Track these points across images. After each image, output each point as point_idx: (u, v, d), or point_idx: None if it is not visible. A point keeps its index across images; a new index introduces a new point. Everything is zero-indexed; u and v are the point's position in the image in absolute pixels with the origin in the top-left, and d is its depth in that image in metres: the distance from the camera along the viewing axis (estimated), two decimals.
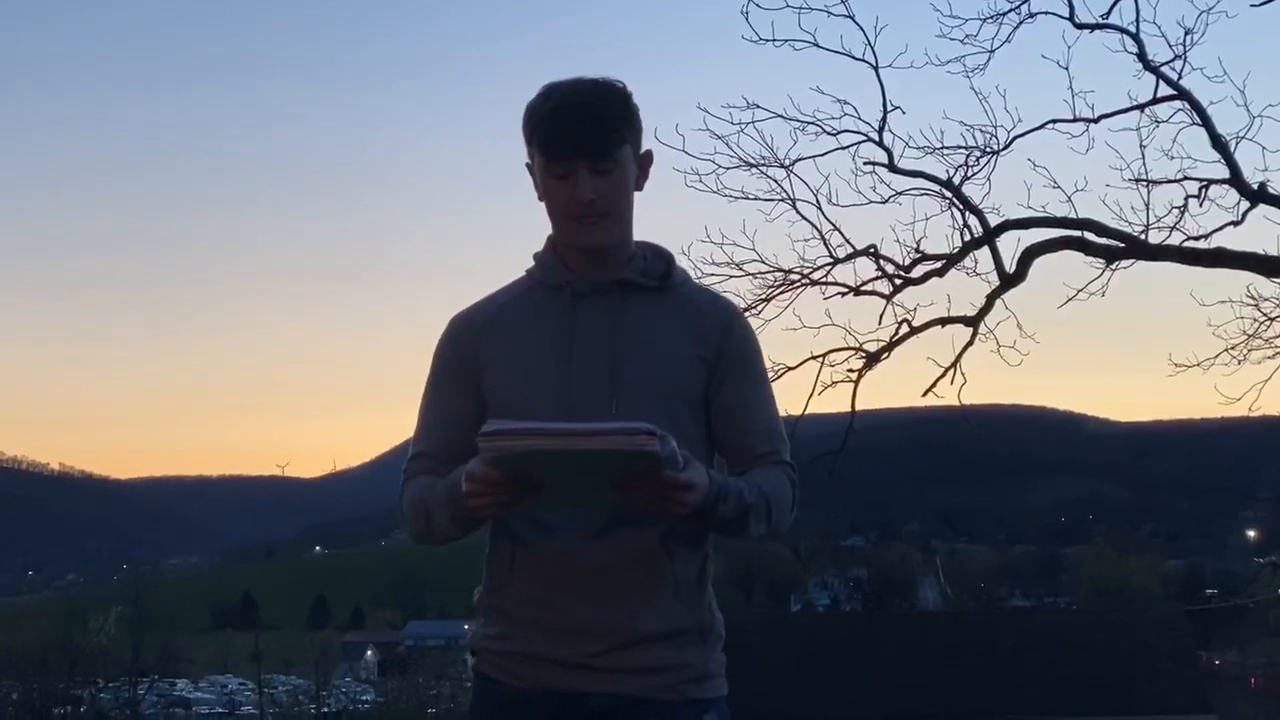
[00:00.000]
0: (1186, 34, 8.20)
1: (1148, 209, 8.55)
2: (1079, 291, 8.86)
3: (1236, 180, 8.37)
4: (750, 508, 2.34)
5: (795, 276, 9.01)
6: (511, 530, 2.42)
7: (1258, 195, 8.38)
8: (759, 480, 2.40)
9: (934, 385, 9.33)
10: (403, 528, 2.47)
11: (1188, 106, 8.33)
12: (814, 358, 9.05)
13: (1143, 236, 8.59)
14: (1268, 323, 9.00)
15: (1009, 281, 8.88)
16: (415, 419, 2.54)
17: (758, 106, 8.63)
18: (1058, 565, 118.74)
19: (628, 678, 2.38)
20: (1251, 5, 8.20)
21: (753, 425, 2.48)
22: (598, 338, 2.41)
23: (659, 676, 2.39)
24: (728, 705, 2.49)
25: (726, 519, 2.32)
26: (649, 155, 2.48)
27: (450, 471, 2.35)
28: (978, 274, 9.06)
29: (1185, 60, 8.25)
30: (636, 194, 2.46)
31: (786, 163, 8.77)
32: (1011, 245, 8.88)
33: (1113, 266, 8.72)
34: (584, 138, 2.34)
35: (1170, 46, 8.28)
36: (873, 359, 9.23)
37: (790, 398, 9.22)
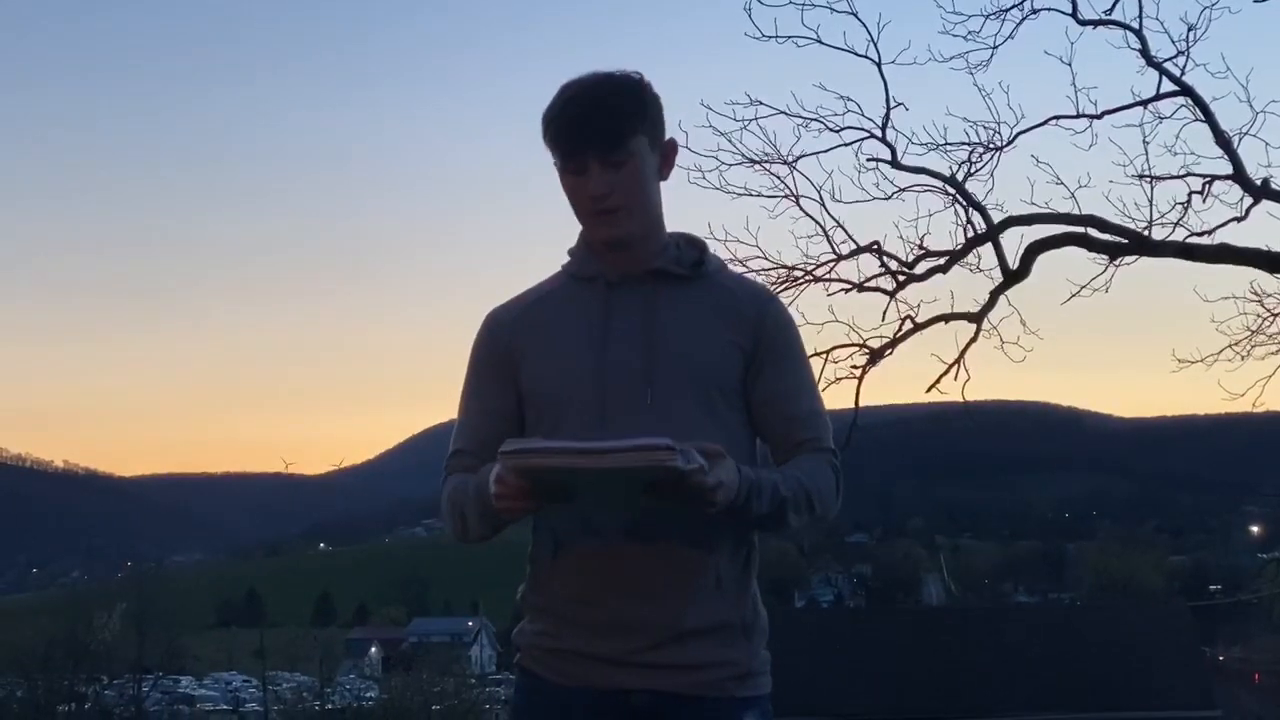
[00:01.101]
0: (1189, 30, 8.20)
1: (1151, 205, 8.55)
2: (1082, 288, 8.86)
3: (1240, 176, 8.37)
4: (786, 500, 2.32)
5: (798, 273, 8.99)
6: (553, 528, 2.41)
7: (1261, 191, 8.38)
8: (797, 471, 2.37)
9: (938, 382, 9.33)
10: (444, 527, 2.48)
11: (1191, 102, 8.33)
12: (817, 354, 9.02)
13: (1146, 233, 8.59)
14: (1271, 318, 8.99)
15: (1012, 278, 8.87)
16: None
17: (760, 103, 8.61)
18: (1061, 561, 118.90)
19: (670, 674, 2.36)
20: (1254, 0, 8.21)
21: (793, 411, 2.45)
22: (632, 328, 2.40)
23: (702, 673, 2.37)
24: (770, 703, 2.46)
25: (761, 514, 2.30)
26: (672, 144, 2.46)
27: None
28: (981, 270, 9.06)
29: (1188, 56, 8.25)
30: (663, 184, 2.45)
31: (789, 159, 8.75)
32: (1015, 241, 8.88)
33: (1116, 263, 8.72)
34: (592, 131, 2.33)
35: (1173, 42, 8.28)
36: (876, 356, 9.22)
37: None
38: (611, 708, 2.38)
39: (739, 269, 8.84)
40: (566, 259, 2.54)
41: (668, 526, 2.31)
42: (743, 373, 2.43)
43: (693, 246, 2.50)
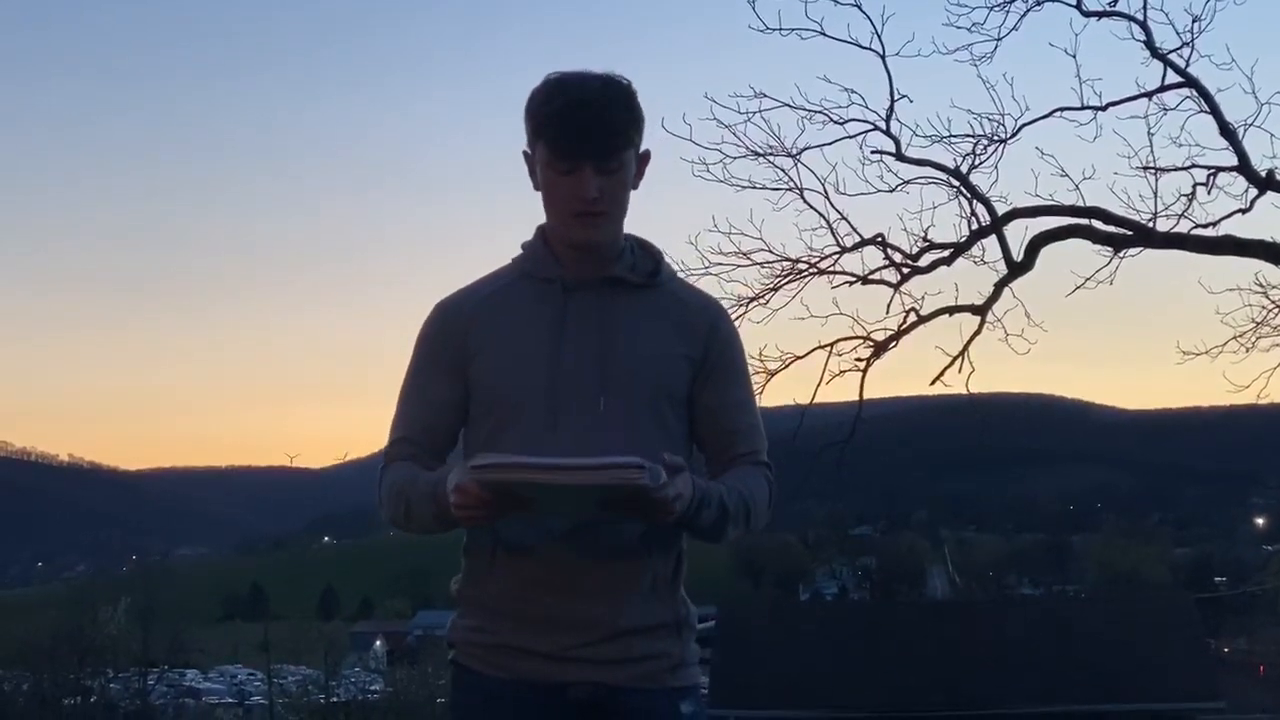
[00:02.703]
0: (1194, 21, 8.20)
1: (1155, 197, 8.56)
2: (1087, 280, 8.88)
3: (1244, 168, 8.37)
4: (728, 511, 2.38)
5: (803, 266, 9.02)
6: (493, 525, 2.41)
7: (1266, 183, 8.38)
8: (738, 483, 2.43)
9: (942, 374, 9.35)
10: (380, 512, 2.47)
11: (1195, 94, 8.33)
12: (822, 347, 9.06)
13: (1150, 224, 8.59)
14: (1276, 310, 9.01)
15: (1016, 270, 8.88)
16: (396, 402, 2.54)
17: (765, 95, 8.64)
18: (1066, 554, 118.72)
19: (608, 668, 2.41)
20: None
21: (735, 425, 2.51)
22: (587, 334, 2.42)
23: (637, 666, 2.42)
24: (699, 694, 2.54)
25: (706, 525, 2.36)
26: (647, 155, 2.48)
27: (431, 459, 2.40)
28: (985, 263, 9.08)
29: (1193, 47, 8.26)
30: (632, 192, 2.47)
31: (794, 152, 8.78)
32: (1019, 234, 8.90)
33: (1120, 255, 8.74)
34: (593, 139, 2.34)
35: (1178, 34, 8.29)
36: (880, 348, 9.24)
37: (798, 387, 9.25)
38: (549, 701, 2.41)
39: (743, 262, 8.92)
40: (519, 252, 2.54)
41: (608, 531, 2.36)
42: (689, 383, 2.48)
43: (648, 255, 2.52)
